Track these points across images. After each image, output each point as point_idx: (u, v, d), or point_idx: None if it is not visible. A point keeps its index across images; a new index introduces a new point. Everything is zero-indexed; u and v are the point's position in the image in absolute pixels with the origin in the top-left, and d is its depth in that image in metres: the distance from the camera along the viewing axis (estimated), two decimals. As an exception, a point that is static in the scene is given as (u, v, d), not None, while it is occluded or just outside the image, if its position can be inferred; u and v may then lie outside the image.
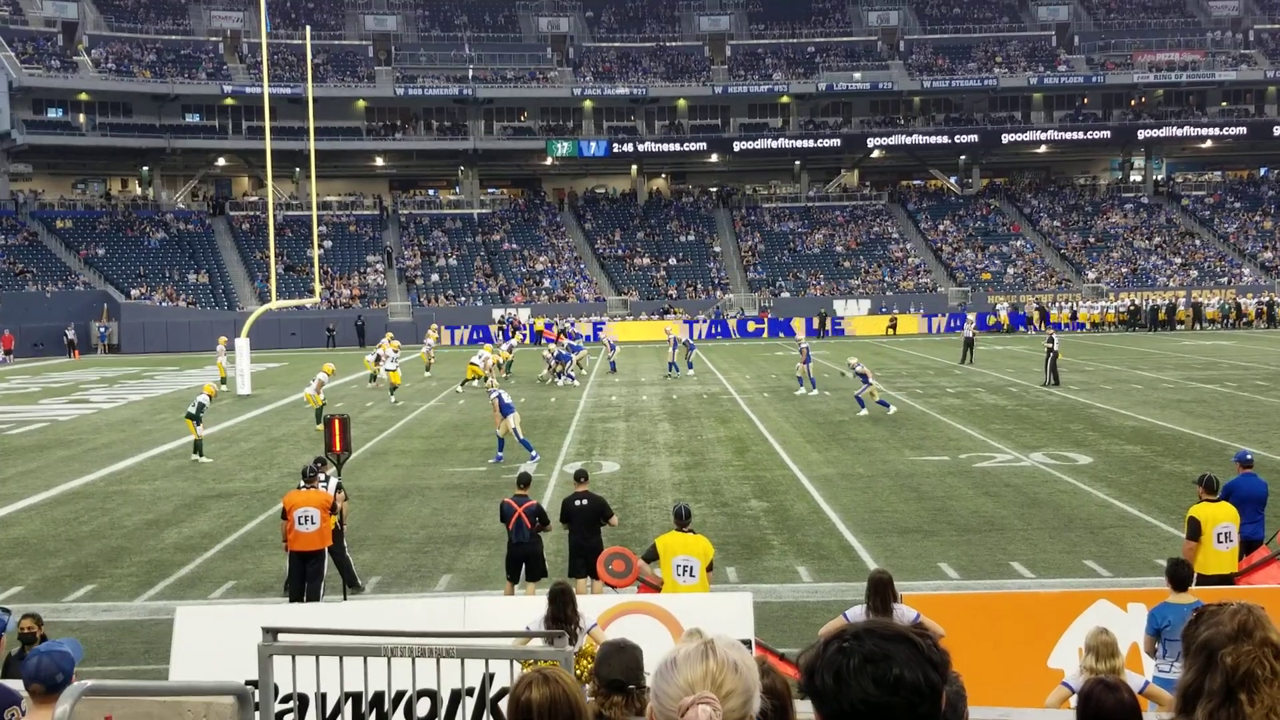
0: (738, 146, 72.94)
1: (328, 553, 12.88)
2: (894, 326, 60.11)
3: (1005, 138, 73.18)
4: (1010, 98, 74.75)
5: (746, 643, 9.17)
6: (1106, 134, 73.27)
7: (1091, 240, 70.52)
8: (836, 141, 73.01)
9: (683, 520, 11.01)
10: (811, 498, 18.36)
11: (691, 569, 10.73)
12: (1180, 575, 8.65)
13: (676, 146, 73.01)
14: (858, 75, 73.28)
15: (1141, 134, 72.94)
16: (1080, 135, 73.47)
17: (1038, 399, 30.53)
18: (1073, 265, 68.00)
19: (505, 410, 22.10)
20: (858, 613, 8.74)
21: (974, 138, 72.99)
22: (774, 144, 72.69)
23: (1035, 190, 76.86)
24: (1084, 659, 7.24)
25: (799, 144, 72.65)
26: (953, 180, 77.41)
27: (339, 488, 14.00)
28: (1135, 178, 78.56)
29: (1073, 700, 7.07)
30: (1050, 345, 33.89)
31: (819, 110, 75.59)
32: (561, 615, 8.52)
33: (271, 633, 5.86)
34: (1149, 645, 8.59)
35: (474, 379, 34.97)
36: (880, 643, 2.18)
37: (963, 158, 75.97)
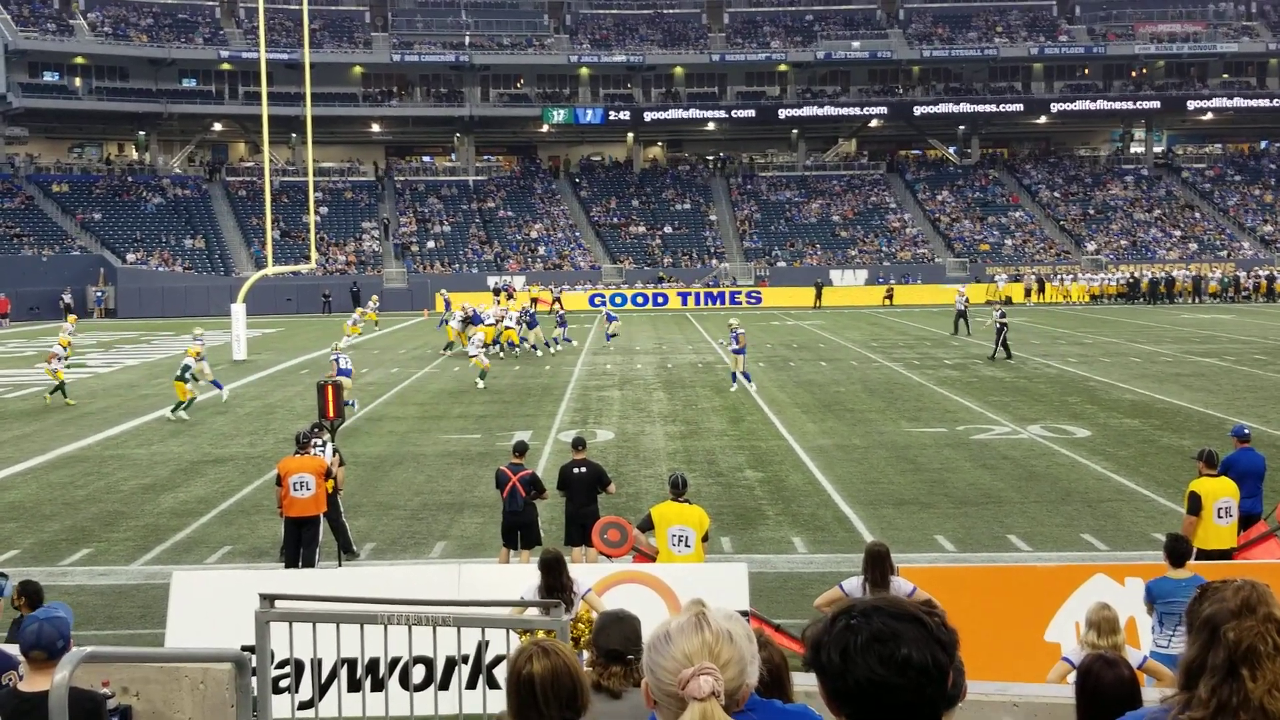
0: (735, 115, 72.61)
1: (324, 518, 12.89)
2: (890, 297, 60.02)
3: (1004, 108, 72.90)
4: (1010, 68, 74.45)
5: (743, 614, 9.18)
6: (1107, 105, 72.95)
7: (1091, 212, 70.39)
8: (834, 110, 72.68)
9: (679, 490, 10.98)
10: (807, 468, 18.35)
11: (687, 539, 10.71)
12: (1179, 550, 8.64)
13: (673, 114, 72.68)
14: (856, 44, 72.93)
15: (1142, 105, 72.67)
16: (1080, 106, 73.15)
17: (1035, 371, 30.52)
18: (1072, 237, 67.90)
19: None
20: (854, 584, 8.73)
21: (974, 107, 72.67)
22: (771, 112, 72.36)
23: (1035, 161, 76.65)
24: (1085, 634, 7.23)
25: (796, 112, 72.34)
26: (951, 150, 77.17)
27: (335, 452, 14.00)
28: (1135, 149, 78.34)
29: (1072, 676, 7.08)
30: (1000, 319, 33.42)
31: (817, 79, 75.24)
32: (556, 584, 8.50)
33: (269, 599, 5.85)
34: (1149, 611, 8.57)
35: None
36: (889, 621, 2.14)
37: (961, 128, 75.71)
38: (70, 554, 14.01)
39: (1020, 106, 73.41)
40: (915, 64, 73.88)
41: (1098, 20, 75.41)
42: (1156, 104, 72.55)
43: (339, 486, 13.81)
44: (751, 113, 72.30)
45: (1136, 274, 60.99)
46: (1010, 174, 74.78)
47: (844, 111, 73.09)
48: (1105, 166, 76.08)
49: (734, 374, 27.45)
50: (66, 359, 28.32)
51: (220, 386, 27.23)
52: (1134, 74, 75.17)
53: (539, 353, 36.47)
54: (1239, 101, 73.07)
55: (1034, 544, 13.90)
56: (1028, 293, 60.62)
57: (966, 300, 43.08)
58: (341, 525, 13.58)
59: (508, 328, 36.85)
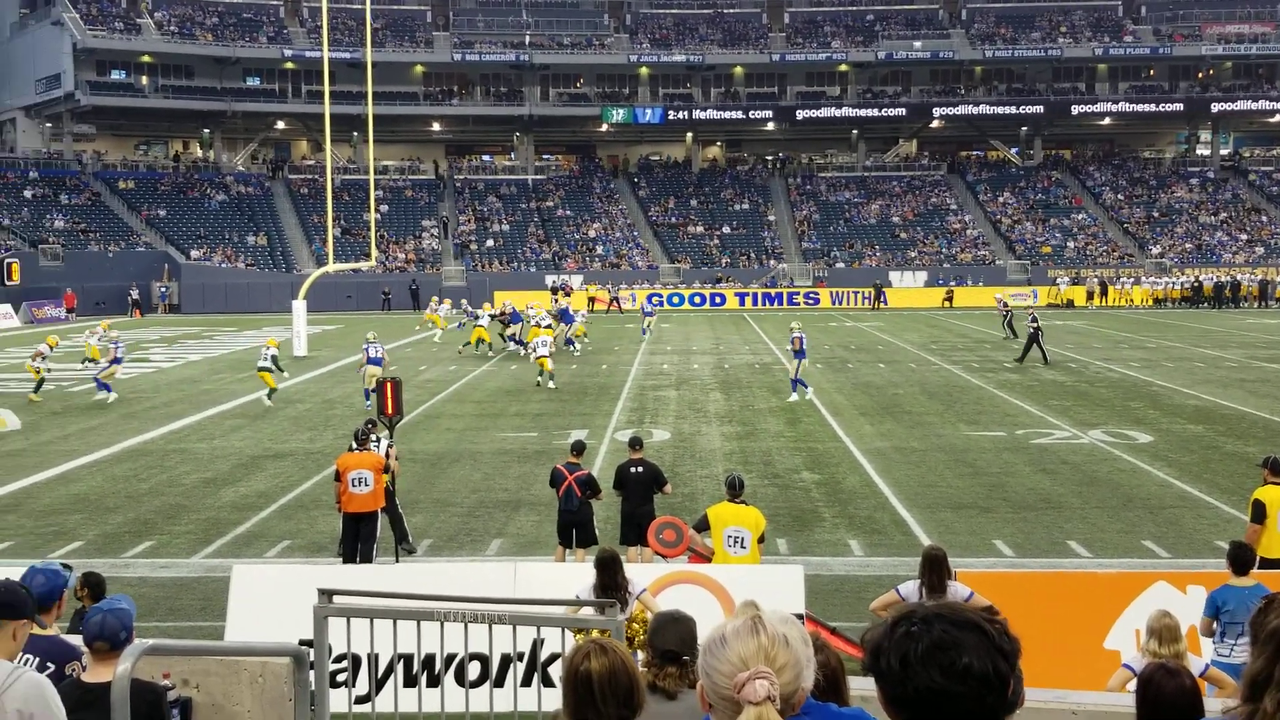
0: (795, 115, 72.32)
1: (381, 513, 13.02)
2: (950, 299, 59.51)
3: (1074, 109, 72.02)
4: (1074, 68, 73.55)
5: (799, 616, 9.13)
6: (1173, 107, 71.81)
7: (1155, 215, 69.35)
8: (896, 111, 72.19)
9: (735, 491, 10.95)
10: (864, 470, 18.24)
11: (743, 540, 10.68)
12: (1242, 558, 8.49)
13: (732, 114, 72.52)
14: (918, 44, 72.35)
15: (1214, 107, 71.48)
16: (1146, 108, 72.08)
17: (1097, 375, 30.12)
18: (1136, 240, 66.93)
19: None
20: (910, 588, 8.66)
21: (1037, 109, 71.85)
22: (832, 113, 72.01)
23: (1098, 163, 75.64)
24: (1146, 642, 7.12)
25: (857, 113, 71.92)
26: (1014, 152, 76.36)
27: (390, 446, 14.15)
28: (1202, 151, 77.07)
29: (1133, 684, 6.98)
30: (1033, 324, 33.19)
31: (878, 79, 74.75)
32: (611, 583, 8.50)
33: (327, 594, 5.91)
34: (1206, 626, 8.45)
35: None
36: (950, 629, 2.12)
37: (1024, 129, 74.87)
38: (133, 546, 14.23)
39: (1084, 108, 72.46)
40: (977, 64, 73.17)
41: (1164, 20, 74.27)
42: (1223, 105, 71.29)
43: (395, 479, 13.98)
44: (811, 113, 71.96)
45: (1201, 278, 60.02)
46: (1073, 176, 73.87)
47: (905, 112, 72.57)
48: (1170, 169, 74.89)
49: (794, 381, 25.77)
50: (46, 359, 27.94)
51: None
52: (1200, 75, 73.94)
53: (575, 349, 36.69)
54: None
55: (1094, 550, 13.71)
56: (1090, 296, 59.86)
57: (1006, 305, 42.90)
58: (399, 517, 13.75)
59: (537, 325, 35.03)
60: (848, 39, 73.62)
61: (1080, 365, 32.33)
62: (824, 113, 71.90)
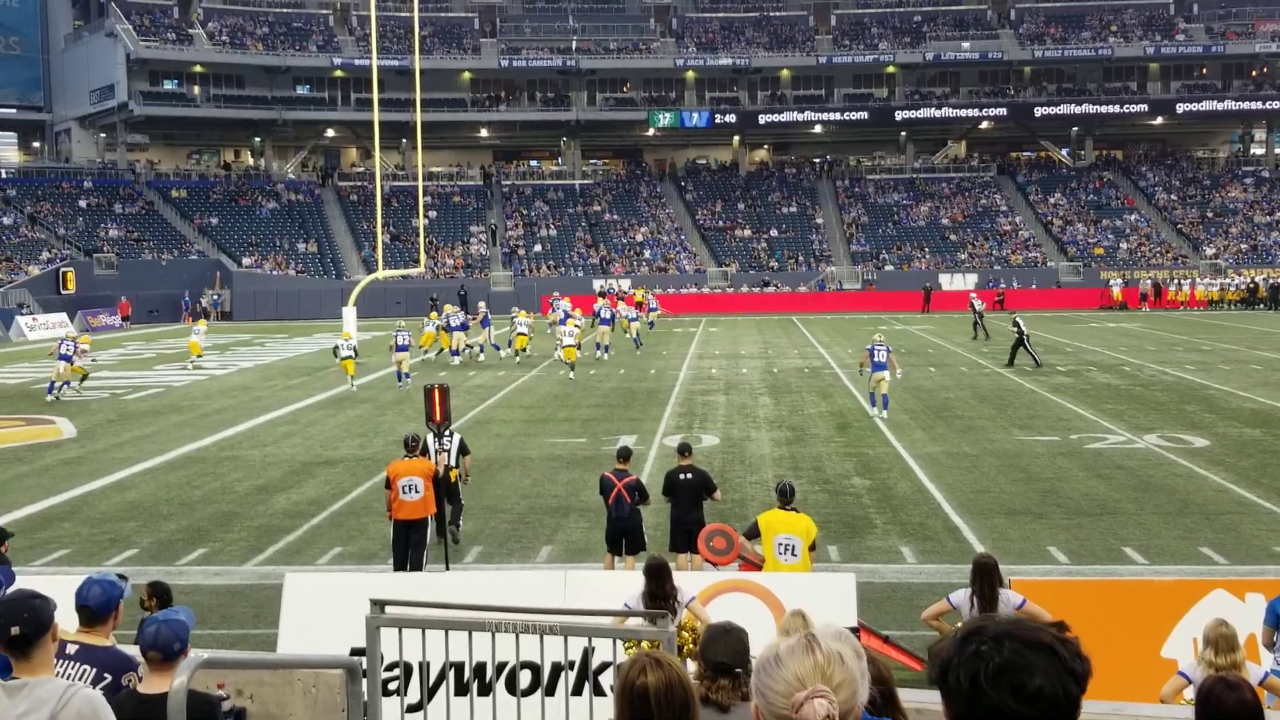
0: (843, 116, 72.04)
1: (433, 519, 13.14)
2: (1002, 302, 58.96)
3: (1121, 109, 71.20)
4: (1126, 68, 72.68)
5: (853, 630, 9.04)
6: (1226, 105, 70.80)
7: (1209, 215, 68.37)
8: (944, 112, 71.71)
9: (786, 498, 10.88)
10: (915, 476, 18.09)
11: (794, 548, 10.61)
12: (1306, 567, 8.32)
13: (779, 117, 72.32)
14: (966, 45, 71.82)
15: (1268, 105, 70.38)
16: (1199, 107, 71.10)
17: (1152, 379, 29.73)
18: (1190, 241, 66.02)
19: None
20: (961, 596, 8.58)
21: (1087, 108, 71.09)
22: (879, 114, 71.65)
23: (1151, 163, 74.71)
24: (1202, 652, 7.01)
25: (905, 114, 71.50)
26: (1064, 152, 75.59)
27: (462, 444, 14.80)
28: (1256, 151, 75.90)
29: (1188, 691, 6.86)
30: (1017, 328, 33.20)
31: (926, 80, 74.28)
32: (659, 591, 8.47)
33: (379, 604, 5.92)
34: (1266, 637, 8.30)
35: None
36: (1021, 650, 2.07)
37: (1075, 129, 74.08)
38: (186, 553, 14.37)
39: (1136, 107, 71.61)
40: (1027, 64, 72.53)
41: (1216, 19, 73.23)
42: (1278, 104, 70.17)
43: (465, 475, 14.80)
44: (859, 115, 71.63)
45: (1256, 279, 59.09)
46: (1125, 176, 72.99)
47: (954, 113, 72.08)
48: (1224, 168, 73.82)
49: (873, 396, 24.14)
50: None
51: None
52: (1254, 73, 72.82)
53: (602, 356, 36.72)
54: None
55: (1150, 557, 13.51)
56: (1143, 298, 59.14)
57: (983, 305, 43.93)
58: (459, 505, 14.53)
59: (520, 334, 35.99)
60: (895, 40, 73.20)
61: (1134, 368, 31.93)
62: (871, 114, 71.53)
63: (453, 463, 14.50)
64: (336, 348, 30.44)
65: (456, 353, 35.76)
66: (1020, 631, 2.11)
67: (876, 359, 23.62)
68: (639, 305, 47.34)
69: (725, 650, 4.47)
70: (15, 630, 4.10)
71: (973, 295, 46.63)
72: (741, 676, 4.40)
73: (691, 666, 4.69)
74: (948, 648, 2.18)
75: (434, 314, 40.55)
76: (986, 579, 8.43)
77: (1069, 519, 15.32)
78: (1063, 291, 61.11)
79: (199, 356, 35.98)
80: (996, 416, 23.82)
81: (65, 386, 29.05)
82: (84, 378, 30.19)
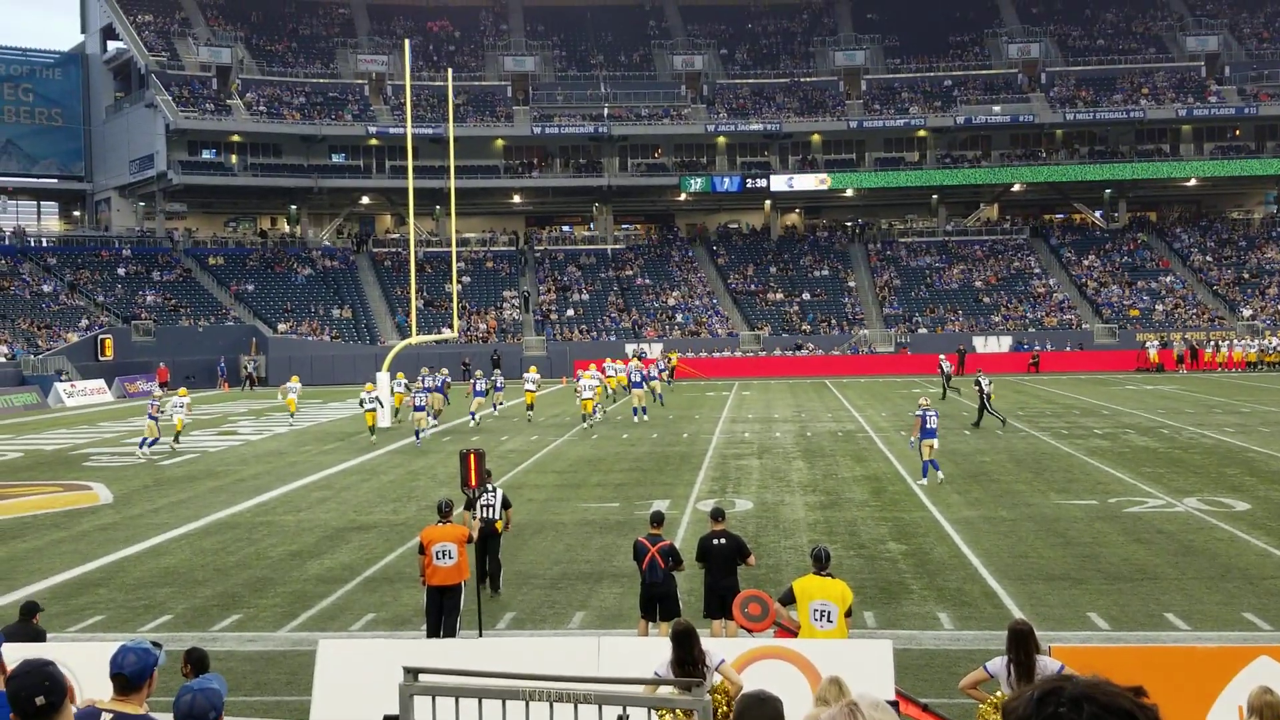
0: (873, 181, 72.29)
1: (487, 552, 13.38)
2: (1037, 365, 58.67)
3: (1153, 172, 71.15)
4: (1158, 130, 72.67)
5: (891, 702, 8.90)
6: (1259, 167, 70.58)
7: (1245, 276, 67.93)
8: (975, 176, 71.86)
9: (821, 563, 10.77)
10: (952, 541, 17.90)
11: (829, 614, 10.49)
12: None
13: (810, 182, 72.71)
14: (997, 108, 72.06)
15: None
16: (1232, 168, 70.91)
17: (1190, 441, 29.40)
18: (1226, 302, 65.56)
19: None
20: (999, 664, 8.45)
21: (1119, 171, 71.06)
22: (910, 178, 71.89)
23: (1185, 225, 74.44)
24: (1248, 721, 6.85)
25: (936, 180, 71.71)
26: (1097, 214, 75.46)
27: (505, 499, 15.57)
28: (1291, 211, 75.54)
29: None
30: (980, 386, 34.12)
31: (957, 144, 74.54)
32: (687, 657, 8.38)
33: (413, 672, 5.89)
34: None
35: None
36: (1100, 714, 2.03)
37: (1108, 191, 74.02)
38: (221, 619, 14.36)
39: (1169, 170, 71.52)
40: (1058, 127, 72.68)
41: (1248, 80, 73.22)
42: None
43: (508, 525, 15.70)
44: (890, 179, 71.87)
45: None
46: (1160, 238, 72.74)
47: (985, 177, 72.23)
48: (1260, 229, 73.44)
49: (925, 463, 23.52)
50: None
51: None
52: (1288, 133, 72.66)
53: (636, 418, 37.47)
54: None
55: (1193, 623, 13.28)
56: (1180, 360, 58.67)
57: (950, 367, 45.78)
58: (498, 564, 15.19)
59: (528, 390, 38.75)
60: (926, 104, 73.56)
61: (1173, 431, 31.60)
62: (903, 179, 71.80)
63: (497, 516, 15.16)
64: (361, 400, 34.05)
65: (436, 416, 36.72)
66: (1100, 695, 2.06)
67: (928, 425, 23.29)
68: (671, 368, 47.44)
69: (760, 719, 4.42)
70: (40, 700, 4.15)
71: (941, 357, 48.06)
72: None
73: None
74: (1023, 707, 2.14)
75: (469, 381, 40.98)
76: (1023, 646, 8.30)
77: (1109, 584, 15.09)
78: (1098, 354, 60.74)
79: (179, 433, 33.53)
80: (1033, 480, 23.59)
81: (155, 443, 30.95)
82: (178, 434, 32.96)
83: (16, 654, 8.58)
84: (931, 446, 23.29)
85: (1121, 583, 15.17)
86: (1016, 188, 74.46)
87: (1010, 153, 73.79)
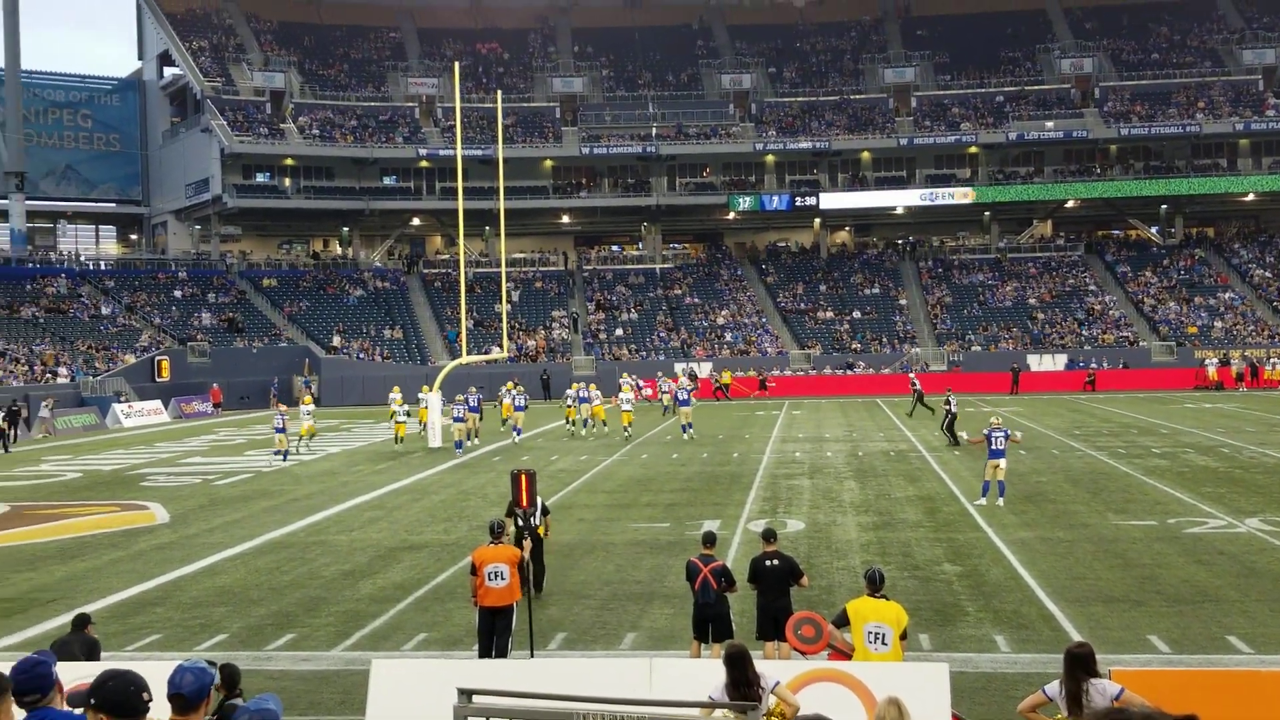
0: (923, 198, 71.89)
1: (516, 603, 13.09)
2: (1093, 383, 57.97)
3: (1210, 187, 70.21)
4: (1214, 144, 71.74)
5: None
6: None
7: (1306, 292, 66.81)
8: (1028, 192, 71.26)
9: (875, 585, 10.64)
10: (1008, 562, 17.67)
11: (884, 636, 10.36)
12: None
13: (860, 200, 72.43)
14: (1050, 124, 71.47)
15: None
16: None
17: (1251, 460, 28.89)
18: (1285, 318, 64.50)
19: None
20: (1057, 688, 8.30)
21: (1175, 187, 70.21)
22: (961, 195, 71.42)
23: (1243, 240, 73.35)
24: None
25: (987, 197, 71.18)
26: (1153, 230, 74.55)
27: (544, 506, 15.84)
28: (1353, 225, 74.23)
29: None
30: (948, 406, 34.60)
31: (1009, 160, 73.98)
32: (741, 679, 8.30)
33: (466, 694, 5.88)
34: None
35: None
36: None
37: (1164, 207, 73.13)
38: (275, 639, 14.43)
39: (1226, 185, 70.56)
40: (1112, 143, 71.94)
41: (1308, 92, 72.19)
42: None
43: (547, 531, 16.19)
44: (943, 197, 71.44)
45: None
46: (1217, 253, 71.73)
47: (1038, 193, 71.60)
48: (1321, 244, 72.24)
49: (986, 484, 23.35)
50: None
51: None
52: (1348, 146, 71.48)
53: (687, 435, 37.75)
54: None
55: (1256, 646, 12.99)
56: (1239, 377, 57.74)
57: (920, 386, 46.32)
58: (543, 568, 15.69)
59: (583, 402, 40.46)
60: (977, 121, 73.10)
61: (1233, 450, 31.07)
62: (953, 197, 71.34)
63: (537, 522, 15.52)
64: (394, 412, 37.29)
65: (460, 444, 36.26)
66: None
67: (995, 446, 22.90)
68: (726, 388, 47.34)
69: None
70: (145, 697, 4.58)
71: (912, 376, 49.39)
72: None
73: None
74: None
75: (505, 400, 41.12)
76: (1084, 668, 8.15)
77: (1169, 606, 14.83)
78: (1155, 372, 59.91)
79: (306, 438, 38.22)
80: (1091, 500, 23.26)
81: (286, 454, 34.07)
82: (313, 435, 37.40)
83: (76, 672, 8.65)
84: (997, 467, 22.93)
85: (1182, 605, 14.89)
86: (1070, 204, 73.74)
87: (1064, 169, 73.13)
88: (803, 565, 13.23)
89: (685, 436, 37.59)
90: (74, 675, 8.59)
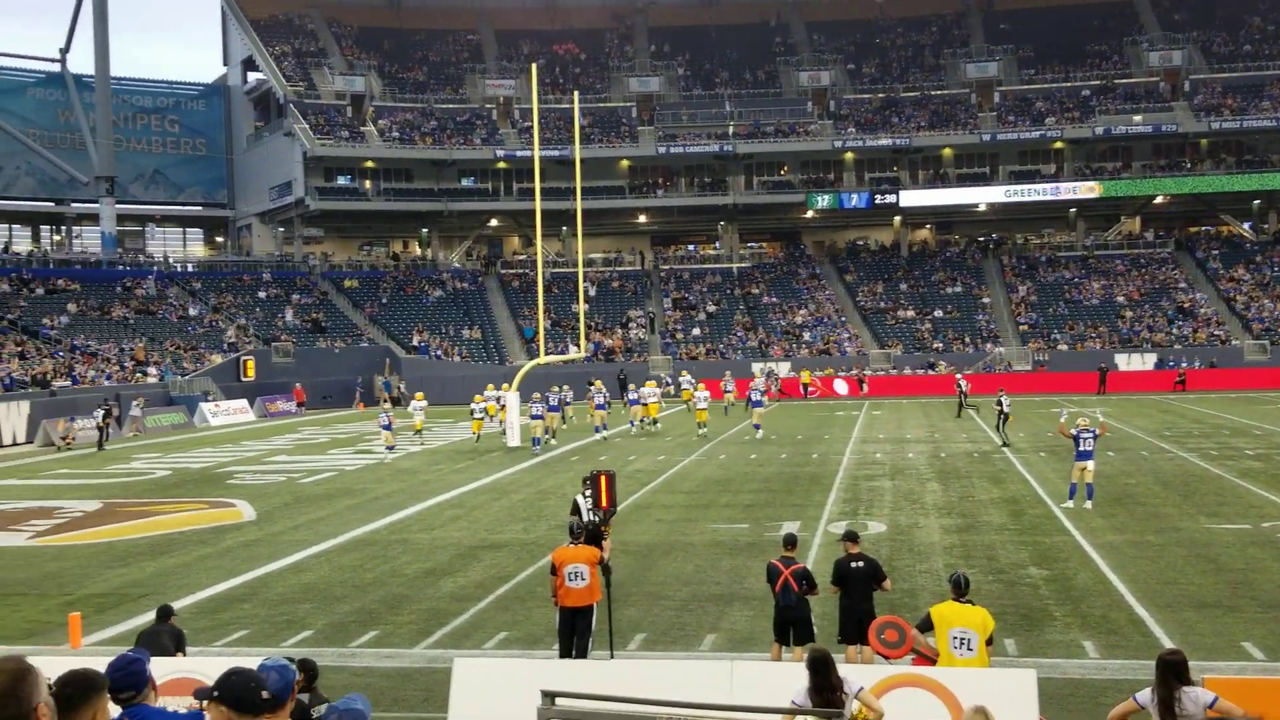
0: (1007, 195, 70.84)
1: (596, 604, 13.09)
2: (1183, 383, 56.69)
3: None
4: (1309, 136, 69.82)
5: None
6: None
7: (1405, 288, 64.76)
8: (1116, 188, 69.85)
9: (961, 590, 10.47)
10: (1096, 566, 17.31)
11: (969, 642, 10.19)
12: None
13: (942, 197, 71.57)
14: (1138, 118, 70.03)
15: None
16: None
17: (1348, 462, 28.04)
18: (1384, 315, 62.58)
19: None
20: (1148, 695, 8.09)
21: (1269, 181, 68.40)
22: (1047, 191, 70.26)
23: (1339, 235, 71.31)
24: None
25: (1075, 194, 69.92)
26: (1246, 226, 72.73)
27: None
28: None
29: None
30: (999, 406, 34.30)
31: (1095, 155, 72.63)
32: (825, 684, 8.19)
33: (549, 697, 5.87)
34: None
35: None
36: None
37: (1256, 202, 71.32)
38: (359, 636, 14.57)
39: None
40: (1203, 137, 70.30)
41: (1407, 81, 69.97)
42: None
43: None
44: (1027, 193, 70.33)
45: None
46: (1312, 248, 69.81)
47: (1127, 189, 70.17)
48: None
49: (1073, 486, 22.77)
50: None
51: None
52: None
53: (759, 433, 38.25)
54: None
55: (1359, 656, 12.59)
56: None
57: (968, 385, 46.35)
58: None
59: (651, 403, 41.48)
60: (1062, 115, 71.85)
61: (1329, 451, 30.19)
62: (1038, 192, 70.21)
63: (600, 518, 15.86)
64: (472, 410, 39.24)
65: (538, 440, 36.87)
66: None
67: (1083, 447, 22.40)
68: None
69: None
70: (265, 695, 4.59)
71: (959, 376, 49.31)
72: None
73: None
74: None
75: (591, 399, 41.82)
76: (1176, 674, 7.93)
77: (1264, 612, 14.42)
78: (1248, 371, 58.42)
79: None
80: (1182, 503, 22.73)
81: (394, 449, 35.64)
82: (419, 431, 39.38)
83: (167, 667, 8.79)
84: (1085, 469, 22.44)
85: (1277, 611, 14.48)
86: (1159, 199, 72.20)
87: (1152, 163, 71.62)
88: (885, 568, 13.07)
89: (758, 436, 37.71)
90: (166, 670, 8.73)
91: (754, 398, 40.00)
